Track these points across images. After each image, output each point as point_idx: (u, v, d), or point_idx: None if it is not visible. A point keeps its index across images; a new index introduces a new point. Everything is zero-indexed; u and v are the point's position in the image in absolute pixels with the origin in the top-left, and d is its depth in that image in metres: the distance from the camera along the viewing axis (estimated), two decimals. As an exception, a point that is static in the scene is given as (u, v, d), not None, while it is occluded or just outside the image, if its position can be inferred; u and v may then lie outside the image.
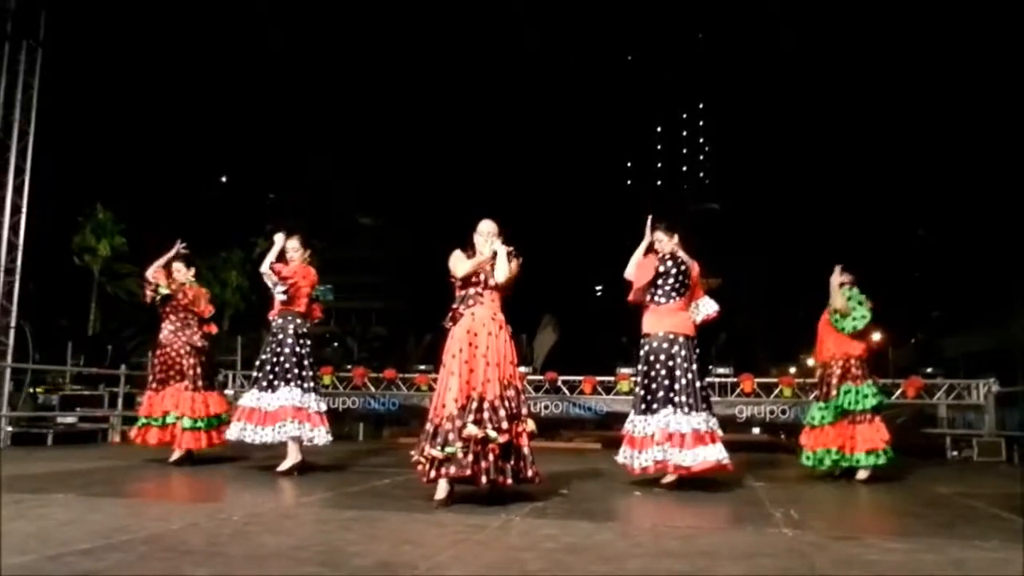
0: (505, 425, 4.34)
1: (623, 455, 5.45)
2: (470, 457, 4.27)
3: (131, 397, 11.11)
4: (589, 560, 3.01)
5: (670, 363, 5.31)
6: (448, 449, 4.28)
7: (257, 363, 6.28)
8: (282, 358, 5.89)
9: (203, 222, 27.22)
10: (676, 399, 5.23)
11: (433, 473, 4.34)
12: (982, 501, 5.03)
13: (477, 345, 4.47)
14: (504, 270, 4.56)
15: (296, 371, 5.86)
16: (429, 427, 4.42)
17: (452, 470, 4.27)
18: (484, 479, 4.30)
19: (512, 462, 4.44)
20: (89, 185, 25.06)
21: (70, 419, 10.41)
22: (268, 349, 5.98)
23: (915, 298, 29.64)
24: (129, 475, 5.87)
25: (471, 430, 4.27)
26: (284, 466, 5.79)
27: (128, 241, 25.44)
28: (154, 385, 6.71)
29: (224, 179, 36.85)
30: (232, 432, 5.93)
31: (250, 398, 5.93)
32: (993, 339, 25.34)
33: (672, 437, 5.17)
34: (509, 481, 4.41)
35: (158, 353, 6.75)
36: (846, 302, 6.34)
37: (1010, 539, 3.61)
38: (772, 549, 3.30)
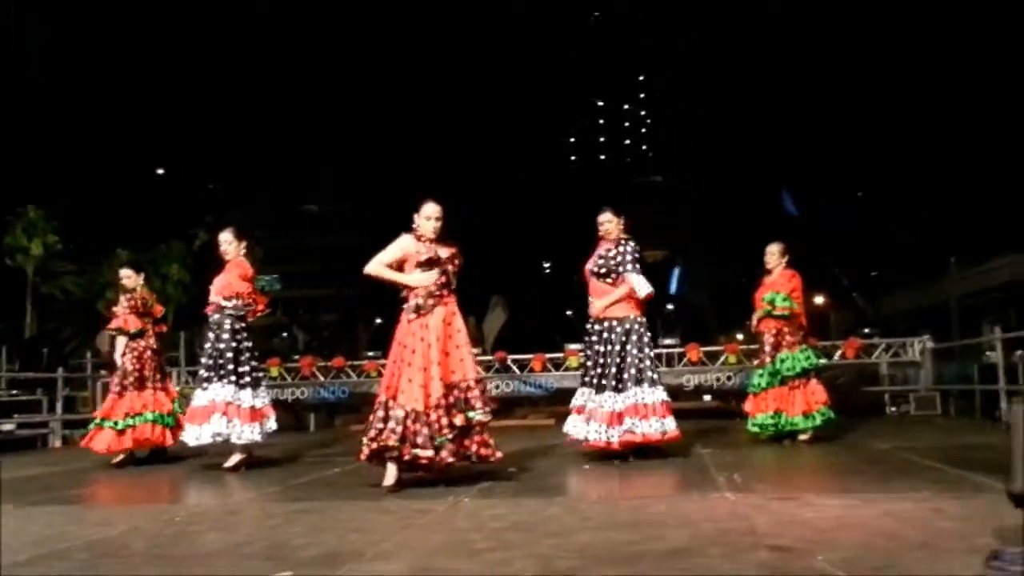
0: (494, 404, 4.62)
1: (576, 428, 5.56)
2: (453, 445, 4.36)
3: (71, 401, 10.84)
4: (537, 536, 3.04)
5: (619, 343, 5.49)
6: (439, 439, 4.32)
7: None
8: (217, 353, 5.79)
9: (140, 214, 26.53)
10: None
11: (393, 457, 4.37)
12: (916, 454, 5.21)
13: (452, 335, 4.56)
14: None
15: (231, 367, 5.76)
16: (400, 413, 4.35)
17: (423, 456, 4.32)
18: (452, 460, 4.37)
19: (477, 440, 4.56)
20: (18, 184, 24.21)
21: (7, 426, 10.08)
22: (207, 345, 5.91)
23: (855, 259, 30.41)
24: (69, 481, 5.73)
25: (475, 416, 4.42)
26: (231, 462, 5.73)
27: (62, 239, 24.66)
28: (118, 389, 6.60)
29: (161, 171, 35.89)
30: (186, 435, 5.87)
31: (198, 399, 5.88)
32: (928, 297, 26.13)
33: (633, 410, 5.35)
34: (498, 454, 4.59)
35: (126, 359, 6.63)
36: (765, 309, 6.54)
37: (942, 489, 3.74)
38: (715, 514, 3.37)
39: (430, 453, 4.29)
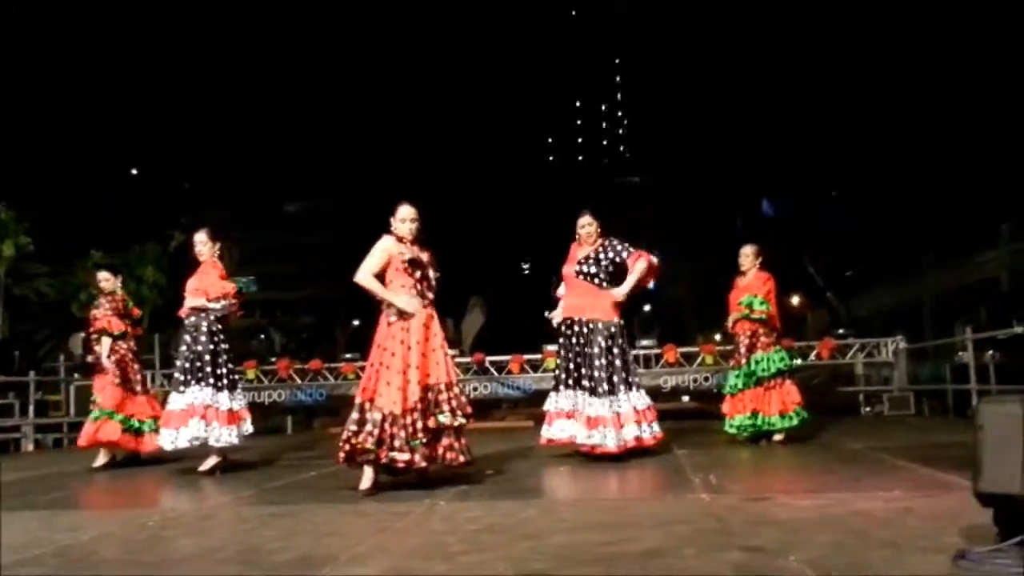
0: (469, 409, 4.54)
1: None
2: (426, 450, 4.36)
3: (43, 404, 10.69)
4: (512, 538, 3.04)
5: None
6: (414, 443, 4.31)
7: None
8: (194, 356, 5.73)
9: (114, 215, 26.20)
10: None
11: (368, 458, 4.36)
12: (889, 454, 5.27)
13: (429, 338, 4.55)
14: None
15: (209, 369, 5.70)
16: (377, 416, 4.34)
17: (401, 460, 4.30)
18: (425, 464, 4.38)
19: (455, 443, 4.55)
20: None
21: (-22, 430, 9.95)
22: (183, 347, 5.82)
23: (831, 260, 30.68)
24: (42, 486, 5.65)
25: (442, 419, 4.40)
26: (205, 465, 5.68)
27: (35, 240, 24.33)
28: (117, 382, 6.61)
29: (135, 171, 35.50)
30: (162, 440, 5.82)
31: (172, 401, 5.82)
32: (902, 297, 26.45)
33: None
34: (461, 459, 4.53)
35: (114, 360, 6.61)
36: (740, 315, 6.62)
37: (912, 488, 3.80)
38: (689, 515, 3.40)
39: (407, 456, 4.28)
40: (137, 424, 6.59)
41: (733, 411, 6.62)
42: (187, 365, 5.72)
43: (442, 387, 4.49)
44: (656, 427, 5.59)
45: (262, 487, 4.94)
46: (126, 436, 6.53)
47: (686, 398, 12.84)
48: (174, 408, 5.69)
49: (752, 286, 6.63)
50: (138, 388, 6.76)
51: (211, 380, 5.69)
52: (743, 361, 6.55)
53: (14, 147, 24.94)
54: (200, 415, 5.60)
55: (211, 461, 5.68)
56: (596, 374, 5.42)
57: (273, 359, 14.10)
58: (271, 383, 11.80)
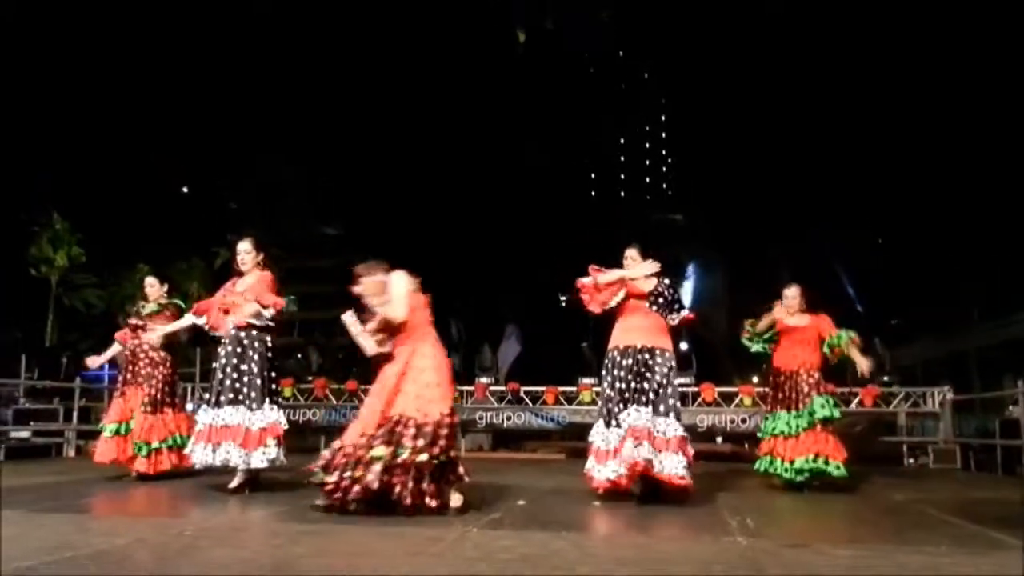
0: (435, 449, 4.37)
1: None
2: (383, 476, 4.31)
3: (87, 411, 10.88)
4: (543, 570, 3.01)
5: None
6: (346, 473, 4.34)
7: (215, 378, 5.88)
8: (240, 373, 5.55)
9: (162, 231, 26.77)
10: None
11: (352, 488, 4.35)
12: (934, 507, 5.12)
13: (407, 372, 4.58)
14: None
15: (258, 386, 5.54)
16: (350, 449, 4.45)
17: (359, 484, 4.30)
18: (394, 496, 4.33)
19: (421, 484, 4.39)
20: (46, 195, 24.59)
21: (23, 433, 10.15)
22: (228, 364, 5.59)
23: (875, 307, 30.14)
24: (81, 491, 5.74)
25: (375, 453, 4.34)
26: (234, 483, 5.55)
27: (86, 251, 25.00)
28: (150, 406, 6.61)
29: (185, 189, 36.38)
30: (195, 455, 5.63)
31: (205, 416, 5.64)
32: (949, 347, 25.84)
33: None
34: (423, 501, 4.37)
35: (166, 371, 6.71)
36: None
37: (957, 544, 3.67)
38: (725, 557, 3.33)
39: (344, 483, 4.32)
40: (180, 439, 6.51)
41: (793, 454, 6.31)
42: (228, 383, 5.53)
43: (406, 421, 4.43)
44: (686, 460, 5.27)
45: (296, 504, 4.94)
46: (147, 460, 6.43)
47: (720, 439, 12.65)
48: (212, 424, 5.51)
49: (819, 327, 6.51)
50: (171, 403, 6.71)
51: (254, 395, 5.53)
52: (805, 402, 6.35)
53: (72, 158, 25.72)
54: (236, 434, 5.43)
55: (240, 477, 5.57)
56: (669, 402, 5.27)
57: (310, 378, 14.21)
58: (307, 401, 11.88)
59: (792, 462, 6.31)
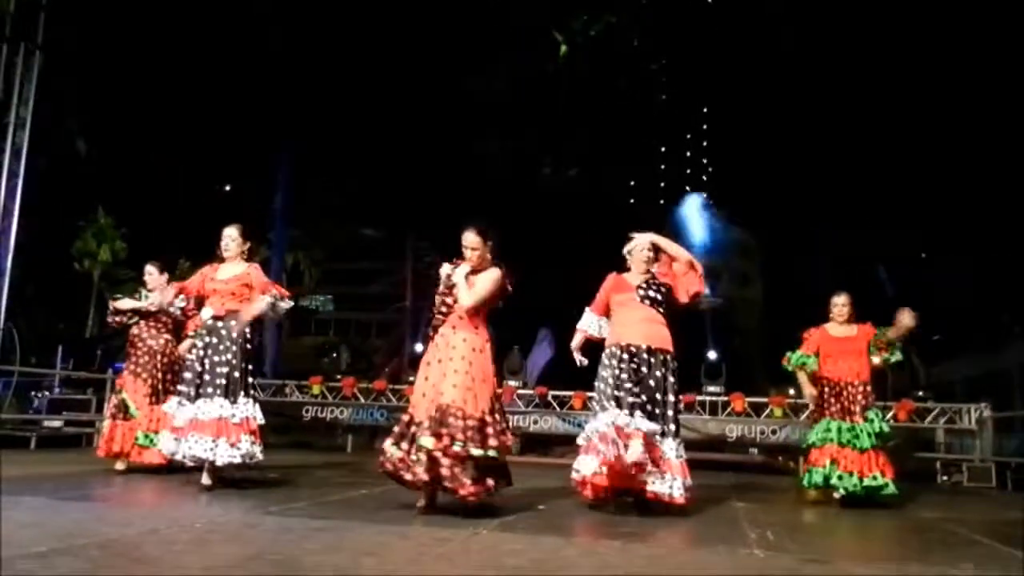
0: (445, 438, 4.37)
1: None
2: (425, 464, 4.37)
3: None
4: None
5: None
6: (412, 457, 4.42)
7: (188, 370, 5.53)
8: (222, 364, 5.33)
9: (204, 228, 27.13)
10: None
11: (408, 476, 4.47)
12: (964, 527, 4.95)
13: (430, 363, 4.66)
14: (464, 297, 4.64)
15: (236, 377, 5.32)
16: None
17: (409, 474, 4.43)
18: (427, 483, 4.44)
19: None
20: (91, 189, 25.09)
21: (56, 423, 10.33)
22: (205, 356, 5.36)
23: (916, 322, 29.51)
24: (104, 480, 5.81)
25: (423, 442, 4.37)
26: (205, 479, 5.29)
27: (128, 247, 25.48)
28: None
29: (228, 188, 36.92)
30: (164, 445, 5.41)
31: (172, 407, 5.41)
32: (990, 365, 25.26)
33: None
34: (462, 491, 4.36)
35: (165, 360, 6.62)
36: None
37: (984, 564, 3.54)
38: (740, 571, 3.24)
39: (409, 476, 4.45)
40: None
41: (862, 468, 6.02)
42: (208, 377, 5.31)
43: (432, 411, 4.46)
44: (688, 482, 4.96)
45: (311, 501, 4.95)
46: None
47: (754, 450, 12.45)
48: (192, 417, 5.26)
49: (867, 336, 6.32)
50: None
51: (233, 387, 5.30)
52: (860, 416, 6.10)
53: (119, 154, 26.23)
54: (218, 427, 5.21)
55: (207, 477, 5.29)
56: (669, 413, 4.97)
57: (339, 376, 14.28)
58: (335, 399, 11.94)
59: (862, 477, 5.99)
